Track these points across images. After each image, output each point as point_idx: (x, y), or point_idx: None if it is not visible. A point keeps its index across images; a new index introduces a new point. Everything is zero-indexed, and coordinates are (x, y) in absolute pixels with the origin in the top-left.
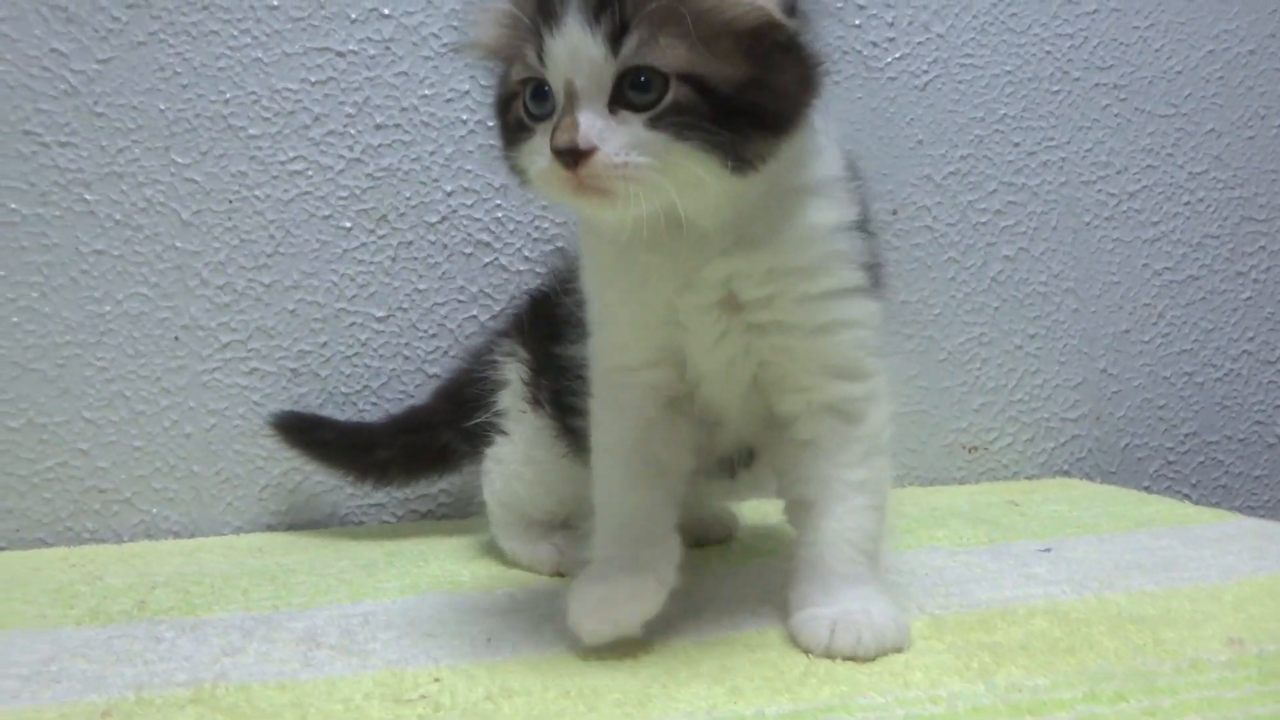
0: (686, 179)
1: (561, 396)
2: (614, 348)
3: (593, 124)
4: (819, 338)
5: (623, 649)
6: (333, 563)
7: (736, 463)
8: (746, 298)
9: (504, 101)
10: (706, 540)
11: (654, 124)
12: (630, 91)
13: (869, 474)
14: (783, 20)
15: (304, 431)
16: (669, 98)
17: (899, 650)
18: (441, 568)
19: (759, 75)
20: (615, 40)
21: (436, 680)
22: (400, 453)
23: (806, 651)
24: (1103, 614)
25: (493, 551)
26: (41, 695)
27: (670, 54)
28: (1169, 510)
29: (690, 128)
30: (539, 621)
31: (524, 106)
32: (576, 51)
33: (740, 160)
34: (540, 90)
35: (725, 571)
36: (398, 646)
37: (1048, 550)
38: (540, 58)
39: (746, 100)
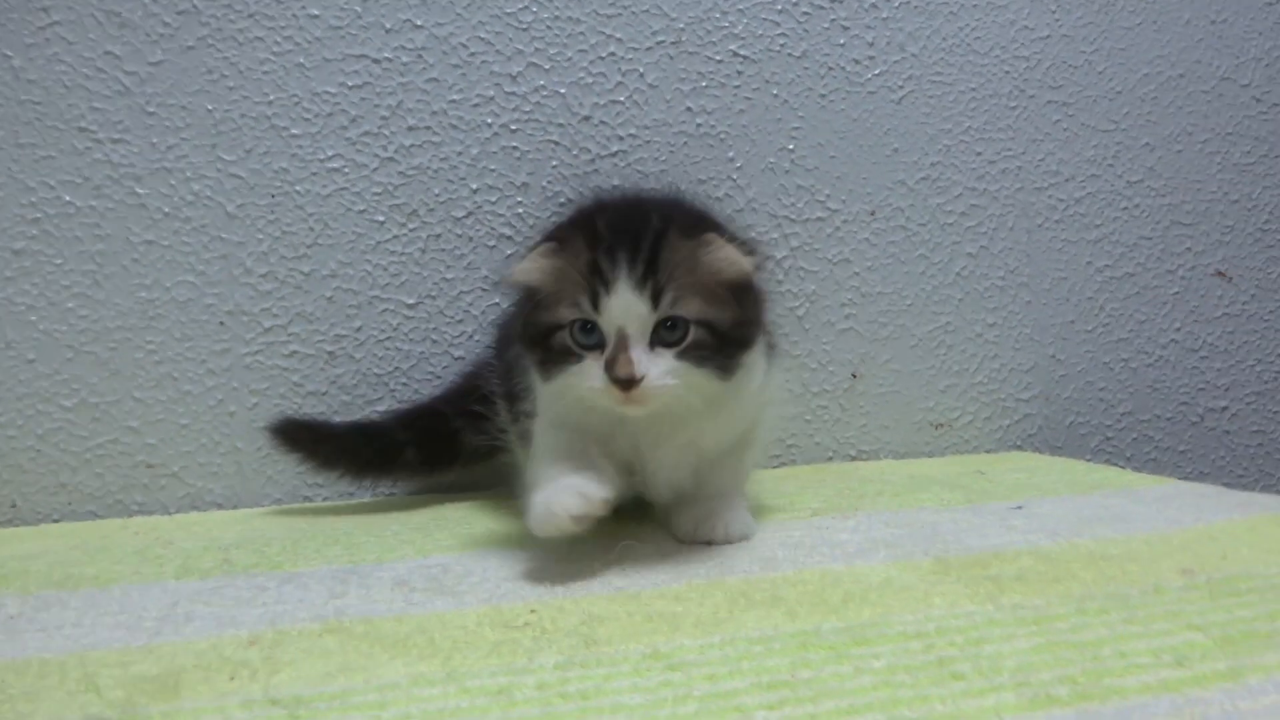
0: (695, 388)
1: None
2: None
3: (640, 359)
4: (744, 442)
5: (679, 588)
6: (385, 526)
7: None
8: (703, 444)
9: (547, 328)
10: None
11: (680, 355)
12: (663, 332)
13: (740, 462)
14: (754, 274)
15: (307, 431)
16: (690, 337)
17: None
18: (486, 528)
19: (742, 314)
20: (655, 300)
21: (533, 611)
22: (415, 435)
23: (678, 539)
24: (1076, 555)
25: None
26: (184, 630)
27: (691, 307)
28: (1115, 476)
29: (704, 357)
30: (598, 569)
31: (572, 337)
32: (628, 308)
33: (728, 372)
34: (587, 327)
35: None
36: (483, 589)
37: (1019, 508)
38: (595, 307)
39: (736, 333)
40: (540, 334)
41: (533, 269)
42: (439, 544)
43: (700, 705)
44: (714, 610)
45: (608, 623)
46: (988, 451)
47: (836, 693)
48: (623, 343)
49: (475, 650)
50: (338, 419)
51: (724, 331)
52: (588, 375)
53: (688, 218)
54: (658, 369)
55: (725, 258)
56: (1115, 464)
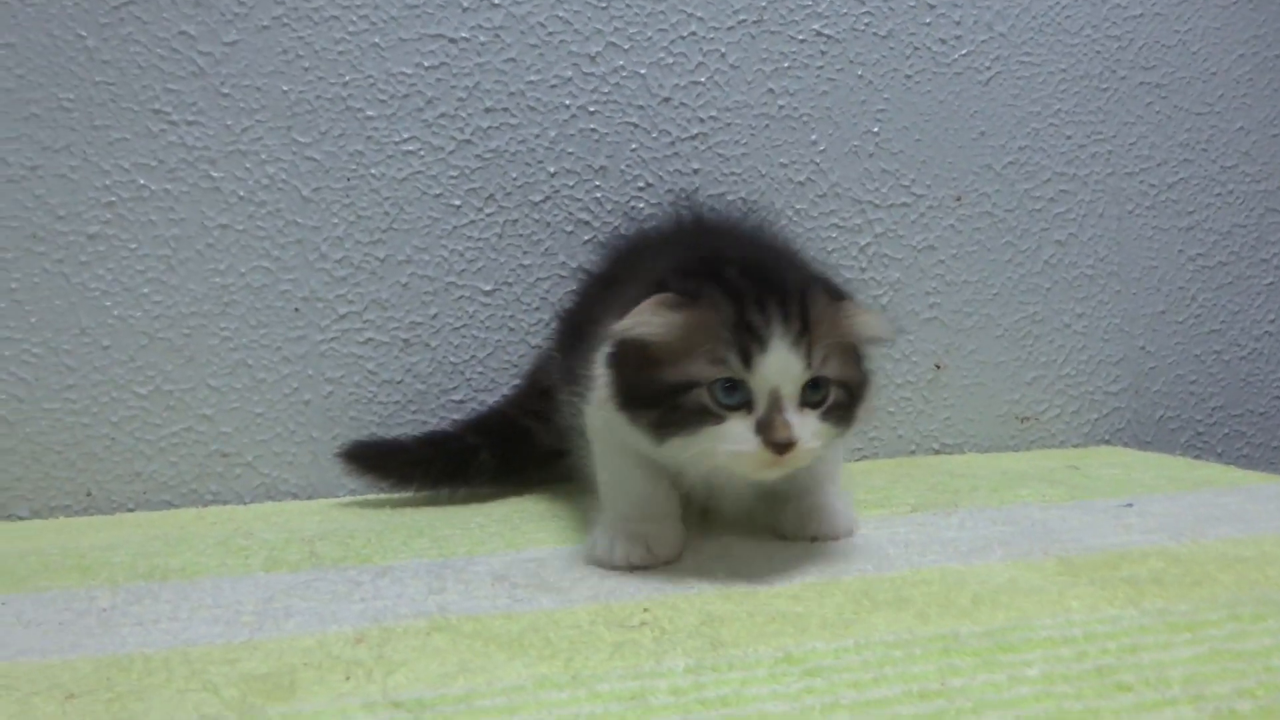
0: (824, 447)
1: None
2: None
3: (794, 421)
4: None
5: (794, 587)
6: (470, 519)
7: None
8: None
9: (674, 387)
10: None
11: (823, 416)
12: (807, 392)
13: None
14: (890, 340)
15: (376, 451)
16: (831, 398)
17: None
18: (574, 522)
19: (864, 374)
20: (808, 359)
21: (646, 610)
22: (488, 439)
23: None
24: (1207, 556)
25: None
26: (285, 626)
27: (833, 367)
28: (1220, 473)
29: (840, 417)
30: (705, 565)
31: (712, 396)
32: (787, 368)
33: (849, 429)
34: (730, 386)
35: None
36: (588, 585)
37: (1129, 505)
38: (746, 365)
39: (861, 392)
40: (662, 393)
41: (656, 323)
42: (529, 537)
43: (852, 715)
44: (838, 611)
45: (730, 623)
46: (1075, 446)
47: (996, 704)
48: (777, 404)
49: (596, 651)
50: (413, 408)
51: (854, 391)
52: (733, 439)
53: (816, 275)
54: (808, 430)
55: (870, 322)
56: (1206, 460)
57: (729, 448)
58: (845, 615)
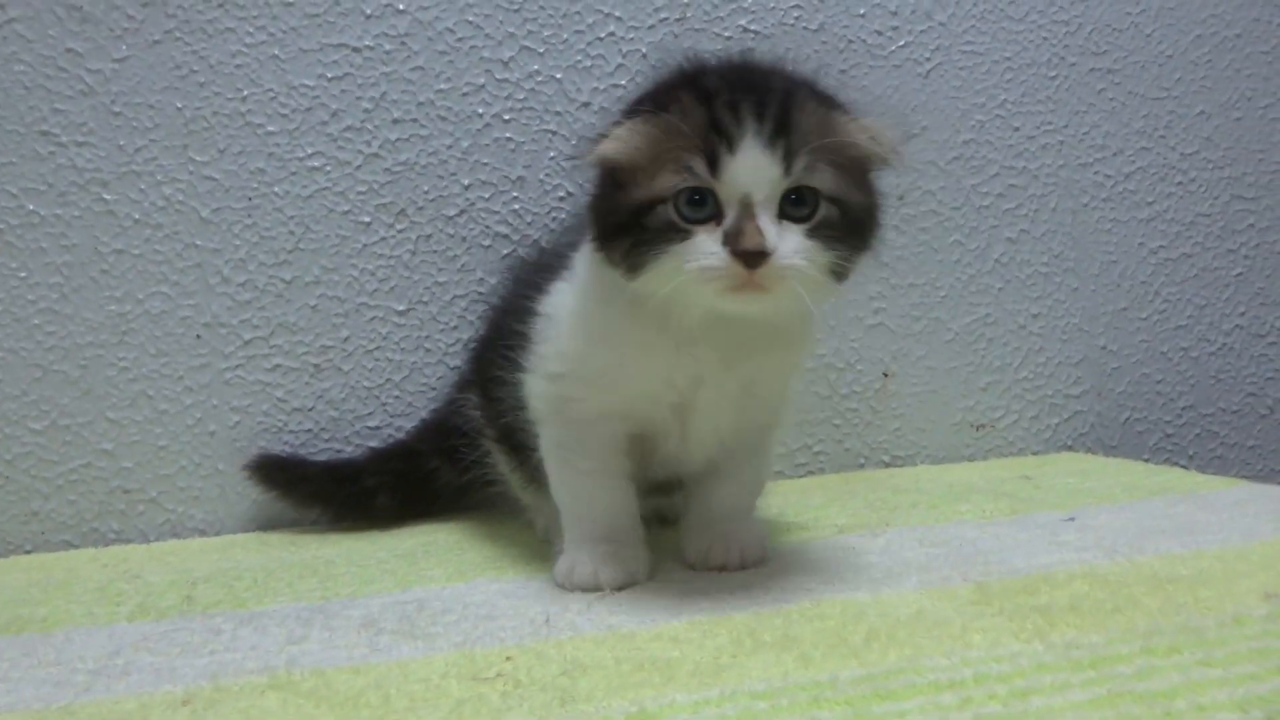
0: (814, 285)
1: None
2: (583, 394)
3: (768, 229)
4: (781, 400)
5: (678, 626)
6: (370, 554)
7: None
8: (760, 382)
9: (638, 206)
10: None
11: (810, 234)
12: (789, 206)
13: (759, 467)
14: (896, 155)
15: (284, 470)
16: (820, 213)
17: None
18: (481, 555)
19: (871, 199)
20: (787, 164)
21: (508, 659)
22: (389, 479)
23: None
24: (1138, 576)
25: (527, 539)
26: (115, 687)
27: (824, 178)
28: (1178, 479)
29: (833, 240)
30: (591, 601)
31: (677, 210)
32: (757, 170)
33: (844, 274)
34: (697, 197)
35: None
36: (460, 629)
37: (1071, 519)
38: (712, 171)
39: (866, 219)
40: (628, 217)
41: (625, 143)
42: (423, 575)
43: None
44: (715, 655)
45: (591, 672)
46: (1035, 454)
47: None
48: (748, 211)
49: (433, 711)
50: (325, 436)
51: (854, 214)
52: (700, 252)
53: (816, 84)
54: (788, 245)
55: (867, 129)
56: (1177, 464)
57: (697, 263)
58: (722, 660)
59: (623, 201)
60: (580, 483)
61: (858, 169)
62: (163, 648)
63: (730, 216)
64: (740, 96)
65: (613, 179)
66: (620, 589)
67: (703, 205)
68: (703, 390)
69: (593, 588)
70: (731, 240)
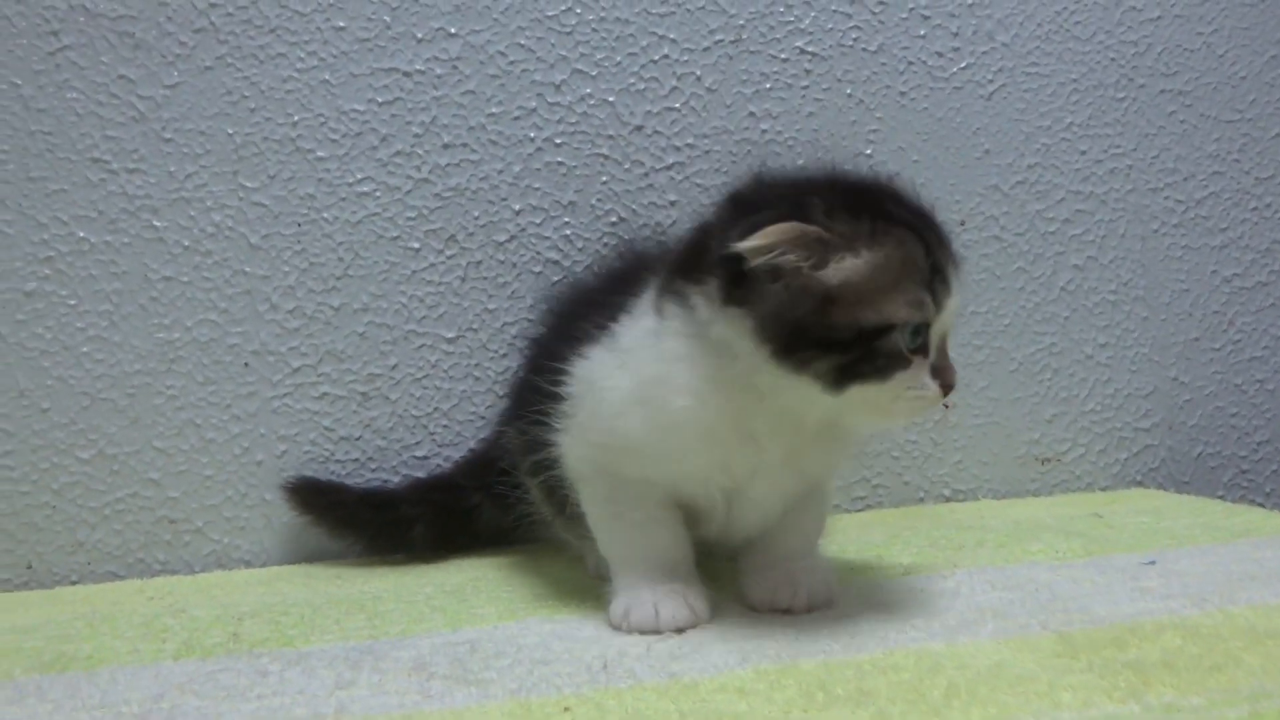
0: None
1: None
2: (629, 464)
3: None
4: (825, 487)
5: (743, 675)
6: (418, 589)
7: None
8: (812, 471)
9: (874, 329)
10: None
11: None
12: None
13: (822, 503)
14: None
15: (320, 494)
16: None
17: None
18: (531, 591)
19: None
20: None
21: (566, 710)
22: (427, 510)
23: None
24: (1234, 628)
25: (578, 574)
26: None
27: None
28: (1261, 520)
29: None
30: (650, 644)
31: (903, 340)
32: (953, 313)
33: None
34: (917, 331)
35: None
36: (514, 675)
37: (1152, 563)
38: (936, 309)
39: None
40: (851, 336)
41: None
42: (474, 613)
43: None
44: (785, 709)
45: None
46: (1103, 489)
47: None
48: (944, 346)
49: None
50: (372, 465)
51: None
52: (920, 382)
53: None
54: None
55: None
56: (1253, 500)
57: (916, 392)
58: (792, 715)
59: (840, 320)
60: (630, 533)
61: None
62: (209, 690)
63: (933, 351)
64: (943, 235)
65: (825, 295)
66: (680, 631)
67: (917, 336)
68: (757, 478)
69: (651, 630)
70: (941, 375)
